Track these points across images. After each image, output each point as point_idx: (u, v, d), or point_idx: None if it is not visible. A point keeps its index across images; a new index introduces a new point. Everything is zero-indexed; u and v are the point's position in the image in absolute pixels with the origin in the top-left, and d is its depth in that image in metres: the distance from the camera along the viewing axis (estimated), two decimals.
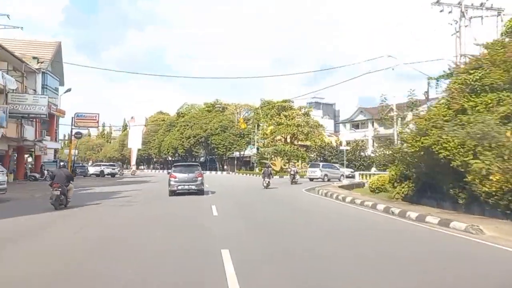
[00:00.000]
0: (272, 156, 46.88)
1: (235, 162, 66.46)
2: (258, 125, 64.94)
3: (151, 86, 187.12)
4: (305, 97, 67.61)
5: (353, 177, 37.26)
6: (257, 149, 57.04)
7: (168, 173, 25.09)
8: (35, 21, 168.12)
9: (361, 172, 36.97)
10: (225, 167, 73.46)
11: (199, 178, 19.75)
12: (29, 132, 32.65)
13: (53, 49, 38.21)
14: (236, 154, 68.26)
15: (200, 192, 19.57)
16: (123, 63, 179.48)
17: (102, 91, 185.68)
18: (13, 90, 28.77)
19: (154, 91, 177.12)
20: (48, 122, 39.70)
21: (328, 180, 34.94)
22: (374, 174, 30.23)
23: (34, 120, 34.03)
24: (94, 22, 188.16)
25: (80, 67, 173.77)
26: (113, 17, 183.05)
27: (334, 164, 41.40)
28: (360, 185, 26.95)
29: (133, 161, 71.58)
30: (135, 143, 71.88)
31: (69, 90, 41.30)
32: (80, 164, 54.80)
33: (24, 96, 28.79)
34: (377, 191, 18.86)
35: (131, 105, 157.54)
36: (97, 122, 43.67)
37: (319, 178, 35.52)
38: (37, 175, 34.24)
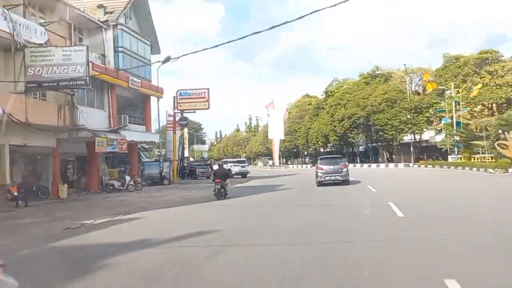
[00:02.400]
0: (501, 131, 26.32)
1: (411, 149, 46.89)
2: (443, 93, 44.22)
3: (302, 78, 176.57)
4: None
5: None
6: (458, 124, 36.52)
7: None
8: (197, 35, 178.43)
9: None
10: (393, 157, 54.25)
11: (344, 169, 20.83)
12: (93, 118, 21.11)
13: None
14: (408, 138, 48.62)
15: (345, 182, 20.48)
16: (276, 63, 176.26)
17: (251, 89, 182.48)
18: (41, 45, 17.14)
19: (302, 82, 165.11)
20: (140, 106, 28.34)
21: None
22: None
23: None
24: (247, 29, 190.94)
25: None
26: (263, 21, 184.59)
27: None
28: None
29: (276, 154, 58.24)
30: (276, 133, 58.56)
31: (168, 59, 29.39)
32: (202, 163, 43.38)
33: (48, 52, 16.67)
34: None
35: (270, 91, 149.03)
36: (207, 100, 30.83)
37: None
38: (116, 183, 22.62)
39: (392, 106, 47.03)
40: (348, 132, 51.27)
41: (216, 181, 16.46)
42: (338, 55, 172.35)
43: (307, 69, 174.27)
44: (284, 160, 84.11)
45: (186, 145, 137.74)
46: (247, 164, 40.37)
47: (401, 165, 43.81)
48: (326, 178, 20.28)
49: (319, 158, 24.06)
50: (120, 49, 23.81)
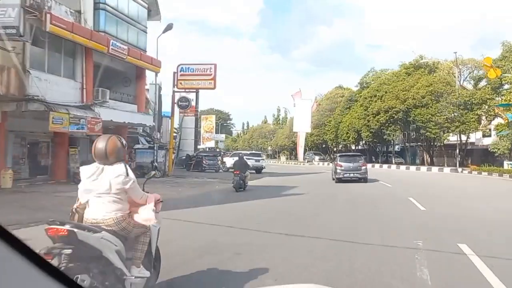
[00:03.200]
0: None
1: (456, 151, 40.25)
2: (500, 87, 37.54)
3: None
4: None
5: None
6: None
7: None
8: (234, 26, 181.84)
9: None
10: (434, 159, 47.52)
11: (363, 167, 21.07)
12: (57, 88, 16.57)
13: None
14: (453, 139, 41.91)
15: (364, 180, 20.61)
16: (313, 59, 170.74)
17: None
18: None
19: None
20: (132, 81, 23.71)
21: None
22: None
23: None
24: (287, 22, 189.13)
25: None
26: (303, 15, 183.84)
27: None
28: None
29: (301, 150, 52.70)
30: (302, 125, 52.93)
31: (170, 27, 24.65)
32: (211, 153, 38.48)
33: None
34: None
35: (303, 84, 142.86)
36: (213, 79, 25.79)
37: None
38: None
39: (438, 100, 40.40)
40: (384, 128, 44.88)
41: (235, 172, 16.56)
42: (378, 52, 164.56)
43: (346, 65, 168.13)
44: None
45: (213, 134, 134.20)
46: (263, 158, 35.18)
47: (446, 169, 37.15)
48: (345, 175, 20.74)
49: (338, 155, 24.69)
50: (102, 5, 19.13)
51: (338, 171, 20.99)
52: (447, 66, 44.92)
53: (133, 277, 3.44)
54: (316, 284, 2.16)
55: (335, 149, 69.61)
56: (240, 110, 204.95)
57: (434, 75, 44.45)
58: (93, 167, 3.60)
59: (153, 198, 3.84)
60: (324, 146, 69.58)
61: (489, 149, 38.01)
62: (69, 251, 3.05)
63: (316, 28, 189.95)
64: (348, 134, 53.53)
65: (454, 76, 42.01)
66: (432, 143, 47.00)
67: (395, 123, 43.91)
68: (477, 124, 39.27)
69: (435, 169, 35.64)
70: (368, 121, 46.68)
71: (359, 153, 29.25)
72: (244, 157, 30.18)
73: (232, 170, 17.76)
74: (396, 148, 60.22)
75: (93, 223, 3.47)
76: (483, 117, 38.41)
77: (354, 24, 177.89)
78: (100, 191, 3.52)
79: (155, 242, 3.90)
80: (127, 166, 3.67)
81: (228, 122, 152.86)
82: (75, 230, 3.15)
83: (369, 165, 44.62)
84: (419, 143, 49.20)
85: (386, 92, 45.09)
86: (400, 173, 34.93)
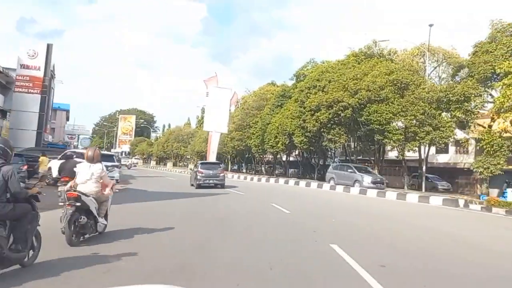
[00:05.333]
0: None
1: (423, 170, 28.27)
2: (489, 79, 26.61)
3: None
4: None
5: None
6: None
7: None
8: (176, 29, 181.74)
9: None
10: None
11: (221, 174, 23.07)
12: None
13: None
14: (408, 154, 30.09)
15: (221, 186, 22.50)
16: (252, 70, 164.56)
17: None
18: None
19: None
20: None
21: None
22: None
23: None
24: (228, 32, 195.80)
25: None
26: (245, 26, 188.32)
27: None
28: None
29: (212, 156, 38.14)
30: (216, 123, 38.59)
31: None
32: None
33: None
34: None
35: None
36: None
37: None
38: None
39: (402, 94, 28.38)
40: (325, 131, 31.83)
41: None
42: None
43: (287, 77, 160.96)
44: (230, 166, 64.14)
45: (132, 136, 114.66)
46: (116, 163, 20.79)
47: (412, 196, 23.45)
48: (205, 181, 22.12)
49: (199, 162, 25.50)
50: None
51: (199, 177, 22.13)
52: (411, 53, 33.44)
53: (99, 222, 7.17)
54: (168, 285, 2.22)
55: (263, 159, 56.31)
56: (167, 115, 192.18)
57: (394, 61, 32.68)
58: (86, 164, 7.26)
59: (111, 183, 7.55)
60: (248, 154, 55.93)
61: (470, 168, 26.60)
62: (78, 204, 6.57)
63: (257, 40, 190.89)
64: (277, 139, 40.19)
65: (423, 63, 30.44)
66: (382, 157, 35.17)
67: (340, 124, 31.06)
68: (452, 131, 27.62)
69: (391, 194, 22.38)
70: (304, 120, 33.55)
71: (218, 162, 29.97)
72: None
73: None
74: (336, 160, 48.91)
75: (84, 193, 6.83)
76: (467, 121, 26.65)
77: (293, 38, 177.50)
78: (87, 177, 7.09)
79: (109, 205, 7.64)
80: (103, 164, 7.56)
81: (152, 124, 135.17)
82: (81, 194, 6.68)
83: (302, 183, 30.16)
84: (365, 157, 37.21)
85: (330, 82, 32.34)
86: (330, 196, 21.77)
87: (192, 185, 23.17)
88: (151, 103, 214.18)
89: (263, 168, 55.83)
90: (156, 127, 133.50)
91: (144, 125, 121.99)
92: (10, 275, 4.71)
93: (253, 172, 55.80)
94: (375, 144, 32.54)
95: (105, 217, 7.40)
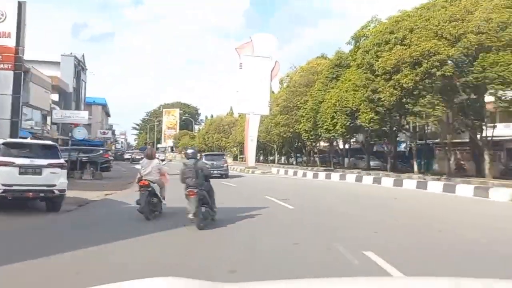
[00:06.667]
0: None
1: None
2: None
3: None
4: None
5: None
6: None
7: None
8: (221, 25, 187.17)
9: None
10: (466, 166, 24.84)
11: (225, 165, 25.08)
12: None
13: None
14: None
15: (226, 176, 24.03)
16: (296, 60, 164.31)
17: None
18: None
19: None
20: None
21: None
22: None
23: None
24: (272, 23, 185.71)
25: None
26: (287, 17, 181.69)
27: None
28: None
29: (251, 145, 29.24)
30: (253, 103, 29.64)
31: None
32: None
33: None
34: None
35: None
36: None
37: None
38: None
39: None
40: (410, 100, 21.71)
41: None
42: None
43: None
44: (278, 157, 55.15)
45: (177, 130, 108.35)
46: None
47: None
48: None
49: (203, 154, 27.03)
50: None
51: None
52: None
53: (162, 202, 9.52)
54: (174, 277, 2.07)
55: (315, 148, 46.61)
56: (215, 111, 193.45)
57: None
58: (146, 160, 9.78)
59: (166, 172, 10.37)
60: (298, 143, 46.50)
61: None
62: (150, 188, 9.11)
63: (301, 29, 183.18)
64: (335, 120, 30.56)
65: None
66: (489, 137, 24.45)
67: (435, 91, 20.82)
68: None
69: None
70: (374, 90, 23.72)
71: (221, 153, 32.12)
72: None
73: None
74: (402, 147, 39.60)
75: (150, 180, 9.27)
76: None
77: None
78: (149, 170, 9.42)
79: (165, 190, 9.80)
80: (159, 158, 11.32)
81: (197, 117, 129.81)
82: (150, 182, 9.19)
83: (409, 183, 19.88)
84: (464, 138, 26.67)
85: (411, 31, 22.23)
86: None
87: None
88: (195, 96, 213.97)
89: (317, 159, 46.11)
90: (200, 120, 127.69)
91: (187, 117, 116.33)
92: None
93: (304, 164, 46.33)
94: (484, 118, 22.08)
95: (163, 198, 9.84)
